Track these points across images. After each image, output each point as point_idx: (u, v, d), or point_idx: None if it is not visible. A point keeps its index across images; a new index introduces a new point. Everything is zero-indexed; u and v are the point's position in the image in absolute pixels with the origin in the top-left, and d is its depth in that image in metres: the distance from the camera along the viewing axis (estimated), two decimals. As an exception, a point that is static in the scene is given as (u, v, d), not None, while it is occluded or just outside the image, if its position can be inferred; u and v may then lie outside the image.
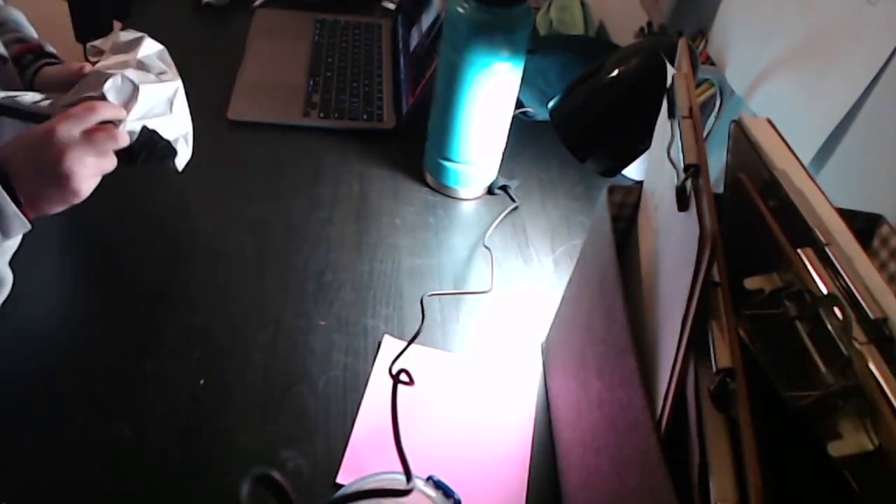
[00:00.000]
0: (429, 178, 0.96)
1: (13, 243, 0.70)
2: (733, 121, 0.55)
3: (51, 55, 0.79)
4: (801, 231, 0.47)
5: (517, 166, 1.00)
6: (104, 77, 0.66)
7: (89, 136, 0.62)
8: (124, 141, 0.65)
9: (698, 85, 0.85)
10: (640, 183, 0.59)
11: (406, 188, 0.95)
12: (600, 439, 0.53)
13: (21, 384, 0.67)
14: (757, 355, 0.43)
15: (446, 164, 0.91)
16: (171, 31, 1.21)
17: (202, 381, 0.68)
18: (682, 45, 0.58)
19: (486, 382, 0.72)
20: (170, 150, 0.72)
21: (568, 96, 0.80)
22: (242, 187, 0.91)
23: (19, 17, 0.83)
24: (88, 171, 0.62)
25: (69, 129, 0.61)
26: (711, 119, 0.84)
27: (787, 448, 0.40)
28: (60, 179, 0.61)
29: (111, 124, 0.64)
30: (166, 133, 0.70)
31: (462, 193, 0.94)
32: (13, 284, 0.69)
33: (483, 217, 0.92)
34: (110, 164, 0.65)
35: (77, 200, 0.63)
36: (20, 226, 0.61)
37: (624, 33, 1.12)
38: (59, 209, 0.63)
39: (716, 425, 0.39)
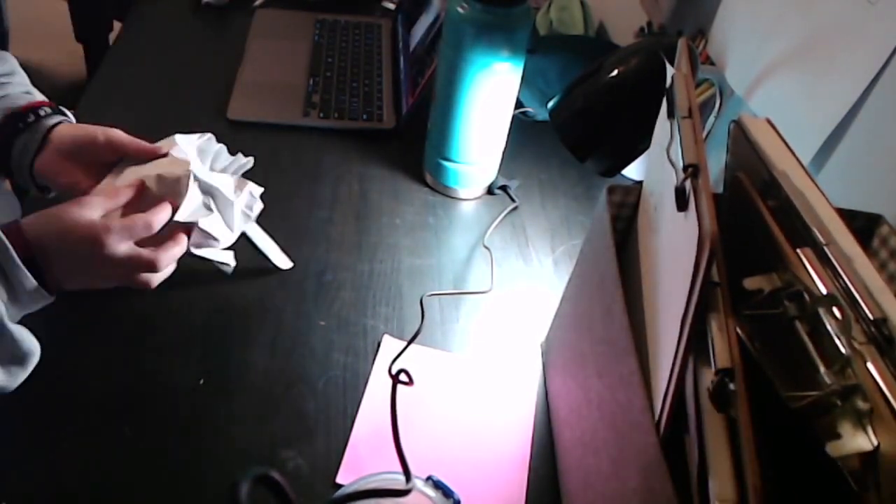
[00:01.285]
0: (429, 178, 0.96)
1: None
2: (733, 121, 0.55)
3: (63, 112, 0.74)
4: (801, 231, 0.47)
5: (517, 166, 1.00)
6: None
7: (137, 258, 0.61)
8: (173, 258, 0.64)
9: (698, 85, 0.85)
10: (640, 183, 0.59)
11: (406, 188, 0.95)
12: (600, 439, 0.53)
13: (20, 384, 0.67)
14: (756, 355, 0.43)
15: (446, 164, 0.91)
16: (171, 31, 1.22)
17: (202, 381, 0.68)
18: (681, 44, 0.58)
19: (485, 382, 0.72)
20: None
21: (568, 96, 0.80)
22: (242, 187, 0.91)
23: (15, 65, 0.78)
24: (122, 281, 0.63)
25: (118, 244, 0.59)
26: (711, 119, 0.84)
27: (786, 448, 0.40)
28: (96, 284, 0.63)
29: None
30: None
31: (462, 193, 0.94)
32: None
33: (483, 217, 0.92)
34: (150, 278, 0.64)
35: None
36: (41, 300, 0.60)
37: (624, 33, 1.12)
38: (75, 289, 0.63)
39: (715, 425, 0.39)
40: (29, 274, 0.57)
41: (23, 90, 0.74)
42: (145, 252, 0.61)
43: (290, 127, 1.02)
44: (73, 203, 0.60)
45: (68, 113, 0.74)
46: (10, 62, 0.77)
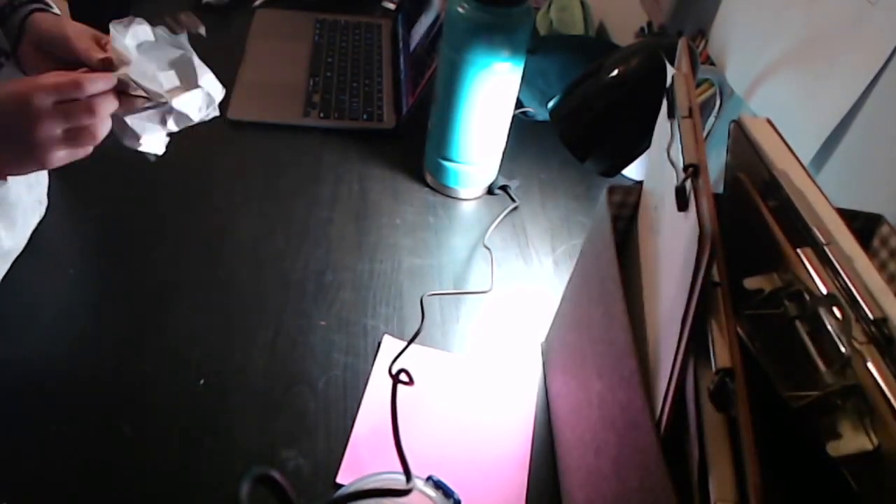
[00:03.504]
0: (429, 178, 0.96)
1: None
2: (733, 121, 0.55)
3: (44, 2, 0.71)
4: (801, 231, 0.47)
5: (517, 166, 1.00)
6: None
7: (66, 108, 0.57)
8: (107, 112, 0.60)
9: (698, 85, 0.85)
10: (640, 183, 0.59)
11: (406, 188, 0.95)
12: (600, 439, 0.53)
13: (21, 384, 0.67)
14: (756, 355, 0.43)
15: (446, 164, 0.91)
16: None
17: (202, 381, 0.68)
18: (681, 44, 0.58)
19: (485, 382, 0.72)
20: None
21: (568, 96, 0.80)
22: (242, 187, 0.91)
23: None
24: (58, 144, 0.58)
25: (45, 98, 0.56)
26: (711, 119, 0.84)
27: (786, 448, 0.40)
28: (27, 148, 0.57)
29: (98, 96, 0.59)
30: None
31: (462, 193, 0.94)
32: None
33: (483, 217, 0.92)
34: (88, 140, 0.60)
35: (42, 169, 0.60)
36: None
37: (624, 33, 1.12)
38: (20, 173, 0.61)
39: (715, 425, 0.39)
40: None
41: None
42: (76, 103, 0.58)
43: (291, 127, 1.02)
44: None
45: (51, 3, 0.71)
46: None
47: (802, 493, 0.41)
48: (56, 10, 0.72)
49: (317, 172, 0.95)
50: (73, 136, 0.59)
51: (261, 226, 0.86)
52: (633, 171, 0.97)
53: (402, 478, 0.51)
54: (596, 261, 0.59)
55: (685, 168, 0.45)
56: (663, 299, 0.47)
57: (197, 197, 0.89)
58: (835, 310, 0.41)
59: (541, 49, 1.01)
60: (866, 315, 0.41)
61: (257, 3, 1.30)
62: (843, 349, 0.39)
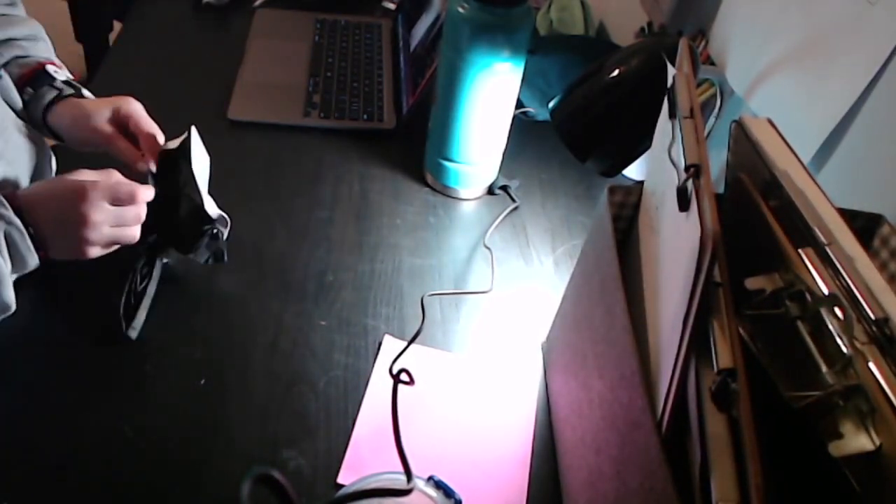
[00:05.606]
0: (429, 178, 0.96)
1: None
2: (734, 121, 0.55)
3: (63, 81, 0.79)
4: (802, 231, 0.47)
5: (518, 166, 1.00)
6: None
7: (117, 211, 0.65)
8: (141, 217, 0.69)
9: (698, 85, 0.85)
10: (641, 183, 0.59)
11: (406, 188, 0.95)
12: (601, 439, 0.53)
13: (21, 384, 0.67)
14: (758, 355, 0.43)
15: (446, 164, 0.91)
16: (171, 31, 1.22)
17: (202, 381, 0.68)
18: (682, 44, 0.58)
19: (486, 382, 0.72)
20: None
21: (568, 96, 0.80)
22: (242, 187, 0.91)
23: (37, 29, 0.82)
24: (104, 241, 0.66)
25: (101, 198, 0.64)
26: (712, 119, 0.84)
27: (788, 448, 0.40)
28: (77, 241, 0.65)
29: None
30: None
31: (462, 193, 0.94)
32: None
33: (483, 217, 0.92)
34: (129, 238, 0.68)
35: (81, 258, 0.66)
36: (32, 264, 0.64)
37: (624, 33, 1.13)
38: (61, 258, 0.66)
39: (717, 425, 0.39)
40: (29, 241, 0.62)
41: (46, 56, 0.81)
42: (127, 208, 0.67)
43: (291, 127, 1.02)
44: (70, 171, 0.66)
45: (86, 93, 0.80)
46: (34, 27, 0.82)
47: (804, 493, 0.41)
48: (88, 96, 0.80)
49: (317, 172, 0.95)
50: (115, 235, 0.67)
51: (261, 226, 0.86)
52: (633, 171, 0.97)
53: (403, 478, 0.51)
54: (597, 261, 0.59)
55: (687, 168, 0.45)
56: (664, 299, 0.47)
57: (197, 197, 0.89)
58: (836, 310, 0.41)
59: (541, 49, 1.01)
60: (868, 315, 0.41)
61: (257, 3, 1.30)
62: (844, 349, 0.40)
